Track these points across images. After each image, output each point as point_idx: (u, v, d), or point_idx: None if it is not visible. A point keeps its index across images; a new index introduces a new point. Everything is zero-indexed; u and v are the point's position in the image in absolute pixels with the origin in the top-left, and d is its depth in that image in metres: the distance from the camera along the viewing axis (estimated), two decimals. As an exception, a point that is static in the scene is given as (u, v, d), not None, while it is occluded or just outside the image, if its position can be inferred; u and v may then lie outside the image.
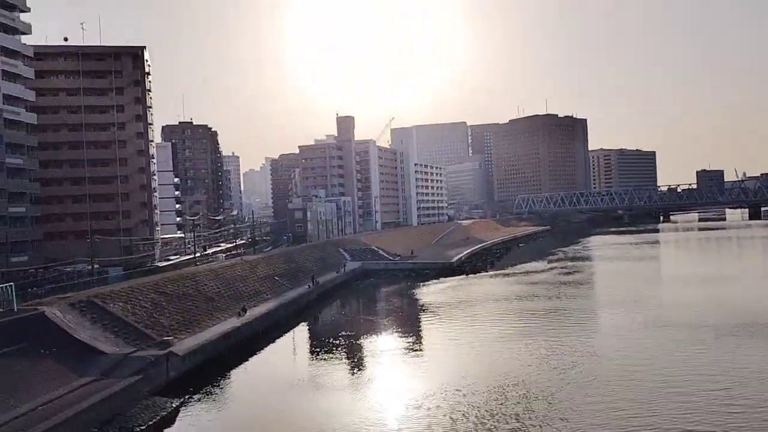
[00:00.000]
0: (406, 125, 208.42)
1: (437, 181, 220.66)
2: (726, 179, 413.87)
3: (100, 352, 40.51)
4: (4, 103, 71.17)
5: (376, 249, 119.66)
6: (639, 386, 35.79)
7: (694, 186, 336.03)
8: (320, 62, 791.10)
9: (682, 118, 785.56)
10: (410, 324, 62.06)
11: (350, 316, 71.01)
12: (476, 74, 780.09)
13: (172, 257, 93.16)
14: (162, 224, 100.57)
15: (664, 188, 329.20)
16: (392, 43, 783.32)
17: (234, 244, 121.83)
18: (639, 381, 36.90)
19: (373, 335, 56.38)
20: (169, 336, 46.26)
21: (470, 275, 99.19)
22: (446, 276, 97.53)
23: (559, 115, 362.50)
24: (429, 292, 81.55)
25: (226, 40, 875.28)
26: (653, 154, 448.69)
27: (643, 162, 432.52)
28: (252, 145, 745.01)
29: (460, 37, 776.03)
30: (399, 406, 34.66)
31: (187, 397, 37.81)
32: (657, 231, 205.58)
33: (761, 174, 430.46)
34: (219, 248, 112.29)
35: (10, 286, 42.98)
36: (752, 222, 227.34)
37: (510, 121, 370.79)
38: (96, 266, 67.06)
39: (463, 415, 32.29)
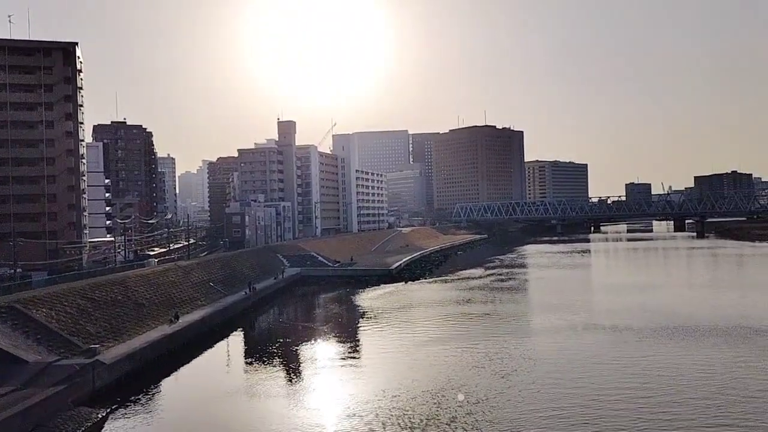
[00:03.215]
0: (348, 131, 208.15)
1: (378, 187, 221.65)
2: (653, 192, 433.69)
3: (21, 360, 38.64)
4: None
5: (315, 255, 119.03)
6: (571, 385, 37.16)
7: (624, 198, 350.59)
8: (262, 64, 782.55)
9: (613, 132, 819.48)
10: (348, 330, 61.98)
11: (288, 323, 70.27)
12: (418, 83, 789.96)
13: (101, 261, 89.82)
14: (91, 227, 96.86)
15: (595, 199, 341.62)
16: (334, 48, 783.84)
17: (170, 248, 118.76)
18: (570, 380, 38.36)
19: (311, 342, 55.96)
20: (96, 344, 44.57)
21: (409, 282, 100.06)
22: (386, 283, 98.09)
23: (498, 127, 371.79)
24: (368, 299, 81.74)
25: (164, 39, 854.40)
26: (585, 166, 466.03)
27: (576, 174, 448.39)
28: (189, 147, 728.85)
29: (402, 43, 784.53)
30: (336, 414, 34.51)
31: (114, 407, 36.53)
32: (588, 241, 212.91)
33: (686, 188, 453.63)
34: (154, 252, 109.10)
35: None
36: (677, 234, 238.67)
37: (450, 131, 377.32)
38: (18, 270, 63.93)
39: (401, 420, 32.45)
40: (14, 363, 38.16)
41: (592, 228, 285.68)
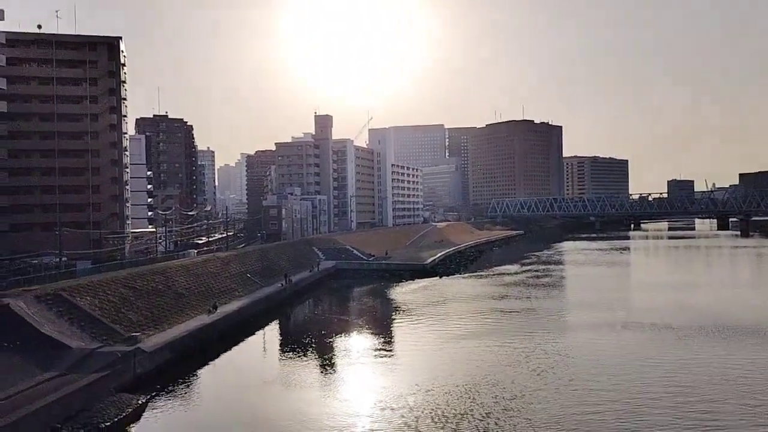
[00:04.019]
0: (385, 126, 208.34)
1: (413, 182, 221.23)
2: (696, 189, 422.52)
3: (65, 346, 39.79)
4: (-28, 90, 69.49)
5: (350, 249, 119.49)
6: (608, 385, 36.55)
7: (665, 195, 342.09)
8: (300, 59, 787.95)
9: (655, 128, 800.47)
10: (383, 324, 62.12)
11: (323, 315, 70.81)
12: (455, 78, 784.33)
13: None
14: (133, 218, 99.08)
15: (636, 196, 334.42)
16: (371, 42, 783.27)
17: (215, 238, 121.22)
18: (608, 380, 37.74)
19: (345, 334, 56.27)
20: (137, 332, 45.61)
21: (444, 277, 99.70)
22: (420, 277, 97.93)
23: (536, 122, 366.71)
24: (402, 293, 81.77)
25: (205, 34, 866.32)
26: (626, 162, 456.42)
27: (616, 170, 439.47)
28: (228, 140, 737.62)
29: (440, 39, 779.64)
30: (369, 406, 34.63)
31: (154, 394, 37.33)
32: (627, 238, 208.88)
33: (730, 185, 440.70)
34: (201, 241, 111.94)
35: (-26, 277, 41.99)
36: (720, 232, 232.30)
37: (487, 125, 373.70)
38: (64, 259, 65.79)
39: (435, 414, 32.41)
40: (59, 349, 39.34)
41: (632, 226, 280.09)
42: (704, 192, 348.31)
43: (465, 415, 32.38)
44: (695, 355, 44.41)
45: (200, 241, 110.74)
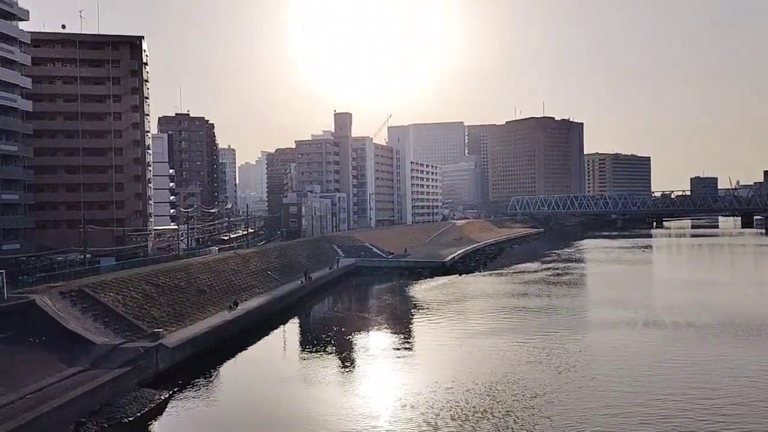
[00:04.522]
0: (404, 123, 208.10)
1: (433, 179, 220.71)
2: (720, 187, 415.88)
3: (89, 342, 40.29)
4: (-1, 90, 70.61)
5: (369, 246, 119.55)
6: (629, 383, 36.16)
7: (688, 193, 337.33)
8: (319, 57, 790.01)
9: (678, 125, 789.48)
10: (402, 321, 62.03)
11: (342, 313, 70.93)
12: (474, 75, 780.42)
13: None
14: (156, 215, 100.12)
15: (658, 194, 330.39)
16: (391, 39, 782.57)
17: (238, 234, 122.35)
18: (629, 378, 37.30)
19: (365, 331, 56.29)
20: (160, 328, 46.04)
21: (463, 274, 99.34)
22: (439, 275, 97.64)
23: (556, 119, 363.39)
24: (422, 290, 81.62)
25: (225, 33, 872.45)
26: (648, 159, 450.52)
27: (638, 167, 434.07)
28: (248, 138, 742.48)
29: (458, 36, 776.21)
30: (389, 403, 34.59)
31: (176, 389, 37.66)
32: (650, 236, 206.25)
33: (754, 183, 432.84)
34: (227, 238, 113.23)
35: (1, 273, 42.64)
36: (745, 230, 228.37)
37: (507, 122, 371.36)
38: (88, 256, 66.69)
39: (455, 412, 32.26)
40: (83, 344, 39.84)
41: (654, 223, 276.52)
42: (728, 189, 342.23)
43: (485, 413, 32.18)
44: (719, 355, 43.74)
45: (226, 238, 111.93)
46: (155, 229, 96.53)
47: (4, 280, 42.77)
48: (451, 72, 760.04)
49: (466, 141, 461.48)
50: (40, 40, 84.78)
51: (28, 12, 76.85)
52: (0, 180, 70.45)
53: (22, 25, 76.94)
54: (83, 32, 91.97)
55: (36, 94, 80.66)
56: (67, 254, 69.52)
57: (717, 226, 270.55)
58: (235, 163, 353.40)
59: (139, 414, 32.67)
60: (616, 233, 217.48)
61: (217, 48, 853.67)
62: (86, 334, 41.06)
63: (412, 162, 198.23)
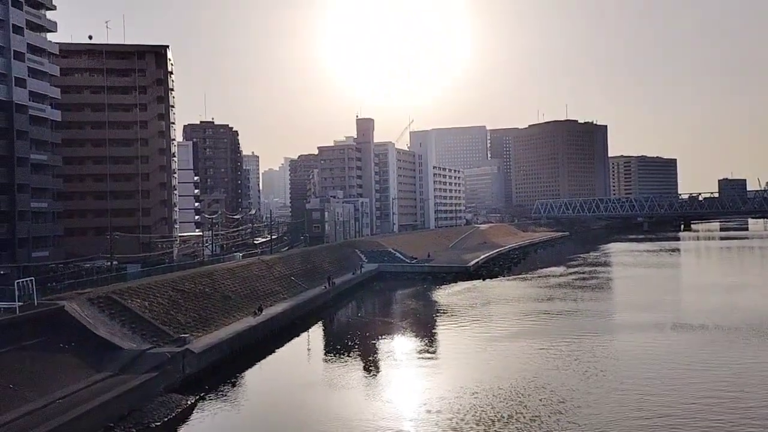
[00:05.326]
0: (426, 128, 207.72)
1: (455, 184, 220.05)
2: (749, 188, 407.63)
3: (117, 347, 40.77)
4: (30, 100, 72.08)
5: (392, 251, 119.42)
6: (659, 389, 35.46)
7: (716, 195, 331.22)
8: (341, 63, 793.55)
9: (704, 126, 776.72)
10: (426, 326, 61.76)
11: (366, 318, 70.85)
12: (496, 78, 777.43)
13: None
14: (181, 222, 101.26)
15: (685, 196, 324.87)
16: (412, 45, 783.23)
17: (261, 240, 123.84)
18: (658, 384, 36.63)
19: (389, 337, 56.15)
20: (186, 333, 46.43)
21: (487, 279, 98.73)
22: (463, 280, 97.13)
23: (580, 121, 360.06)
24: (446, 295, 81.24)
25: (248, 41, 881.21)
26: (674, 161, 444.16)
27: (664, 169, 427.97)
28: (272, 144, 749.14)
29: (481, 39, 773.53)
30: (414, 408, 34.40)
31: (202, 394, 37.91)
32: (677, 239, 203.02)
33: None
34: (258, 241, 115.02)
35: (31, 280, 43.37)
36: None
37: (529, 125, 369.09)
38: (115, 262, 67.60)
39: (481, 417, 31.97)
40: (111, 350, 40.33)
41: (682, 226, 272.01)
42: (757, 191, 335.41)
43: (511, 418, 31.85)
44: (752, 359, 42.79)
45: (257, 242, 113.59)
46: (180, 236, 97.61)
47: (35, 287, 43.50)
48: (472, 75, 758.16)
49: (489, 145, 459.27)
50: (68, 50, 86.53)
51: (56, 24, 78.45)
52: (30, 189, 71.86)
53: (51, 37, 78.57)
54: (109, 42, 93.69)
55: (64, 103, 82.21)
56: (95, 261, 70.56)
57: (747, 228, 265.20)
58: (258, 169, 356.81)
59: (166, 419, 32.93)
60: (642, 236, 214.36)
61: (241, 56, 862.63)
62: (114, 340, 41.58)
63: (434, 166, 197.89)
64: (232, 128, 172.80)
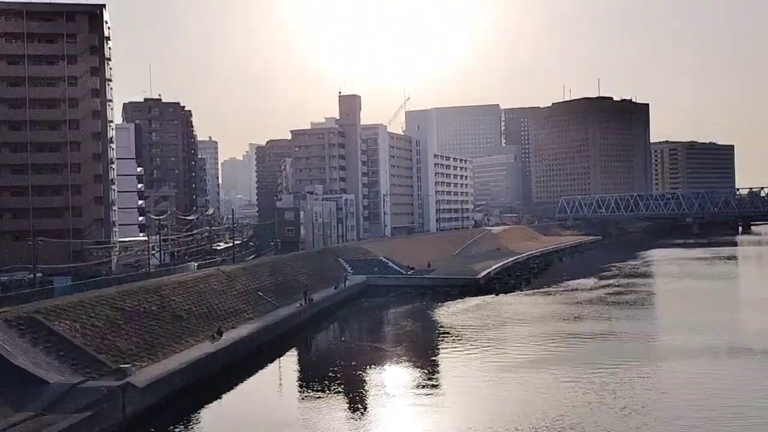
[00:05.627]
0: (425, 107, 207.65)
1: (462, 176, 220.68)
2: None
3: (41, 380, 40.49)
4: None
5: (384, 260, 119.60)
6: (712, 427, 35.75)
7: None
8: (321, 32, 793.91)
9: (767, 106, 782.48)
10: (426, 353, 61.90)
11: (351, 343, 70.94)
12: (511, 47, 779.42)
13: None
14: (121, 224, 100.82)
15: (745, 191, 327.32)
16: (408, 10, 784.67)
17: (221, 246, 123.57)
18: (713, 421, 36.98)
19: (380, 367, 56.27)
20: (127, 363, 46.25)
21: (501, 294, 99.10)
22: (471, 295, 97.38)
23: (615, 99, 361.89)
24: (450, 314, 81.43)
25: (206, 4, 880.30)
26: (731, 148, 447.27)
27: (719, 158, 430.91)
28: (234, 129, 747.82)
29: (491, 1, 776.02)
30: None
31: (147, 438, 37.79)
32: (734, 244, 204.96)
33: None
34: (220, 247, 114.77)
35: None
36: None
37: (553, 104, 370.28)
38: (39, 274, 67.24)
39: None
40: (34, 384, 40.04)
41: (740, 228, 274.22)
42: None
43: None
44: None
45: (217, 248, 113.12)
46: (120, 242, 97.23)
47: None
48: (482, 43, 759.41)
49: (503, 128, 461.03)
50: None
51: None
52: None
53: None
54: (31, 1, 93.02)
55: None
56: (13, 273, 70.13)
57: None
58: (217, 158, 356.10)
59: (102, 470, 32.80)
60: (692, 241, 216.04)
61: (198, 22, 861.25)
62: (37, 372, 41.30)
63: (435, 155, 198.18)
64: (183, 107, 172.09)
